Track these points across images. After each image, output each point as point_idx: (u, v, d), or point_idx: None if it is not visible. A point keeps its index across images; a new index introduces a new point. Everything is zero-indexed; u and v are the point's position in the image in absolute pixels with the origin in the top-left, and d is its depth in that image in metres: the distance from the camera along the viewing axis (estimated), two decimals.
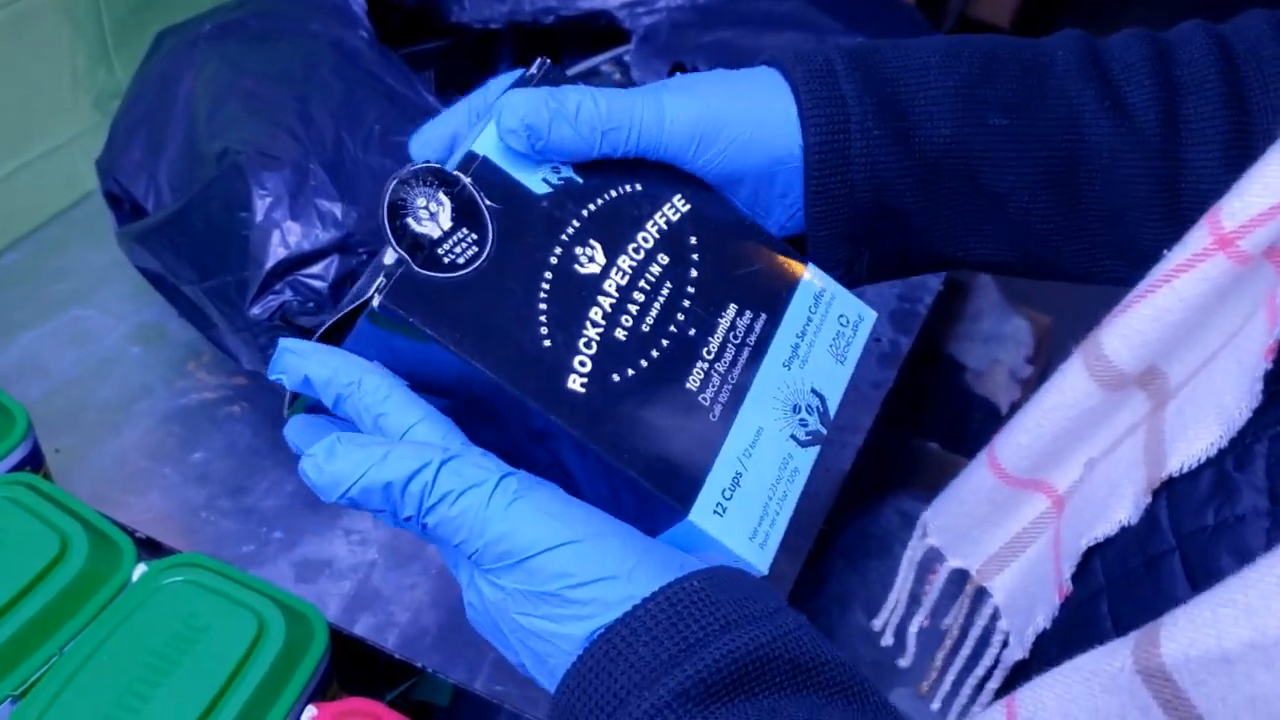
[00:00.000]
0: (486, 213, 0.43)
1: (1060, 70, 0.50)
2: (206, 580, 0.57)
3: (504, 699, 0.65)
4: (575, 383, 0.42)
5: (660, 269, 0.45)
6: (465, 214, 0.42)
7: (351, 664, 0.64)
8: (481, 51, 0.90)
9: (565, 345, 0.42)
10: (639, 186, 0.46)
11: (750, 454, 0.44)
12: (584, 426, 0.41)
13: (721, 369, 0.45)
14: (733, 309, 0.46)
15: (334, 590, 0.68)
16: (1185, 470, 0.41)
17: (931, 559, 0.57)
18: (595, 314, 0.43)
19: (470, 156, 0.43)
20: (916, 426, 1.17)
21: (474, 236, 0.42)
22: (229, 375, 0.79)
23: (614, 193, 0.46)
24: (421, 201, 0.41)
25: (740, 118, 0.47)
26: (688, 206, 0.47)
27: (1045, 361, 1.28)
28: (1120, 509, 0.44)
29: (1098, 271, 0.53)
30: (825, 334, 0.48)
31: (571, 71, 0.85)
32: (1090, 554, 0.46)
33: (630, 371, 0.43)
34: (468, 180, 0.43)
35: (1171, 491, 0.43)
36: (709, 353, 0.45)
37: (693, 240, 0.46)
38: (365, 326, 0.41)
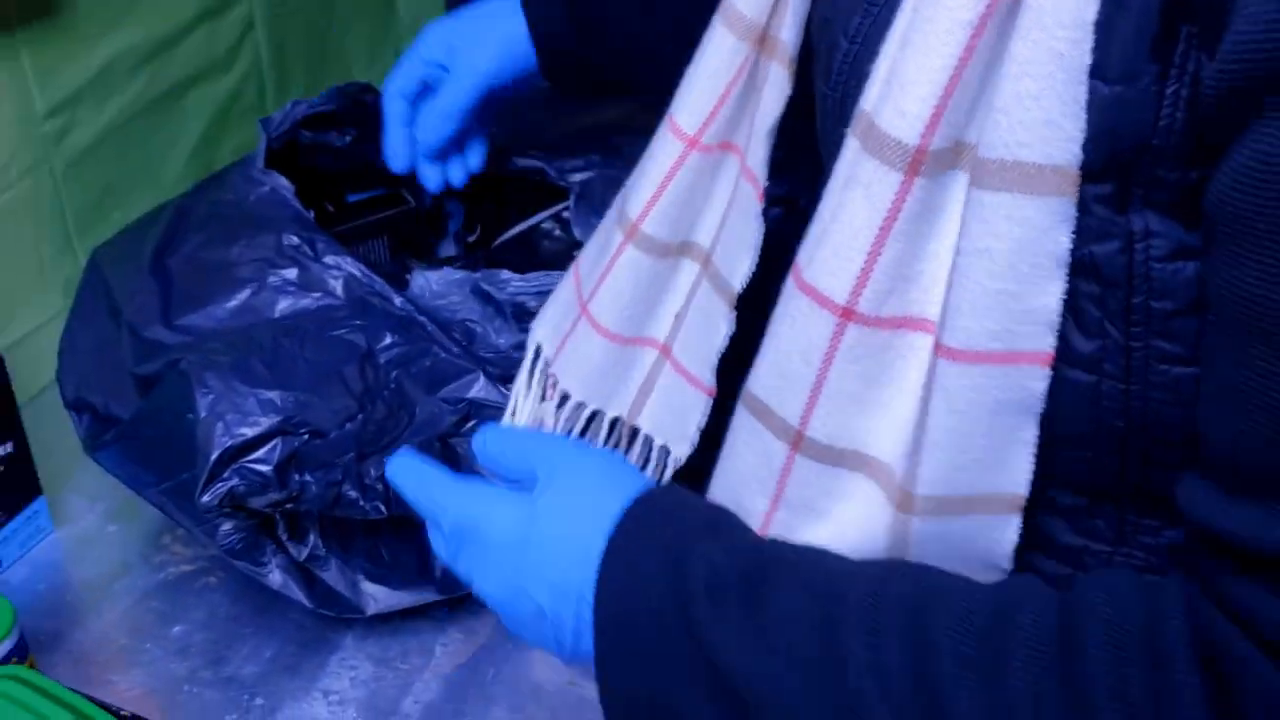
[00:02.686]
0: None
1: None
2: None
3: None
4: None
5: None
6: None
7: None
8: (433, 213, 0.94)
9: None
10: None
11: None
12: None
13: None
14: None
15: None
16: (742, 287, 0.60)
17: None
18: None
19: None
20: None
21: None
22: (203, 546, 0.82)
23: None
24: None
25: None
26: None
27: None
28: (722, 327, 0.61)
29: None
30: None
31: (514, 231, 0.89)
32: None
33: None
34: None
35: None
36: None
37: None
38: None
